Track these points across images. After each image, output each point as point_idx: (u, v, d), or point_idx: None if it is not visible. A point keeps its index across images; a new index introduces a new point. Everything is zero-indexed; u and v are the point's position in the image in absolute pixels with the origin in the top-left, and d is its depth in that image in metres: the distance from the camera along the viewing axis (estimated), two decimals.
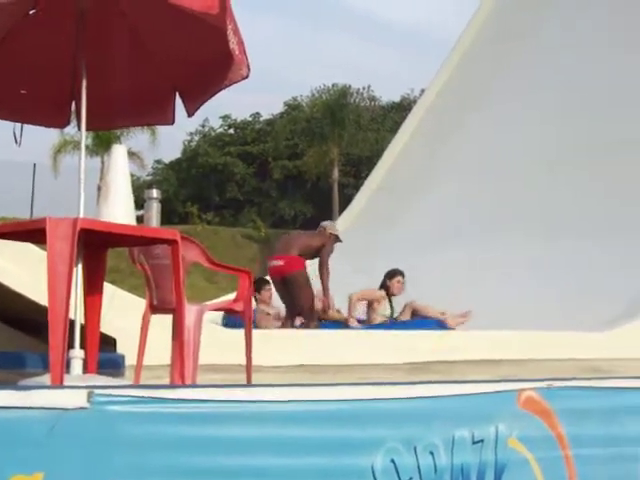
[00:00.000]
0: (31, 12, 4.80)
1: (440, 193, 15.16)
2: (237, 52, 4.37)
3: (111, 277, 5.23)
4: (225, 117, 51.70)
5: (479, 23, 18.04)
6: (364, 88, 48.70)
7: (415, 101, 29.60)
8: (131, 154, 29.31)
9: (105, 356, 4.98)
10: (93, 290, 4.48)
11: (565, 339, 8.69)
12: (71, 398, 2.83)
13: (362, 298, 9.97)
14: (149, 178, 48.79)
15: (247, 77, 4.62)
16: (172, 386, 4.13)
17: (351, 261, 14.13)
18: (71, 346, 4.08)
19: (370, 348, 7.91)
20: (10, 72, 4.98)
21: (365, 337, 8.54)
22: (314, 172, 43.35)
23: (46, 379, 3.71)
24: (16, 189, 28.64)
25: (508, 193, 13.90)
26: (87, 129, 4.74)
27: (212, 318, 7.80)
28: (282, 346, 7.38)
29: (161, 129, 32.14)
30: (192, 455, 3.01)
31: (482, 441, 3.57)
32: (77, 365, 4.18)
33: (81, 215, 4.41)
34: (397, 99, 50.66)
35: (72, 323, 4.03)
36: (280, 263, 9.23)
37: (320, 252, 9.52)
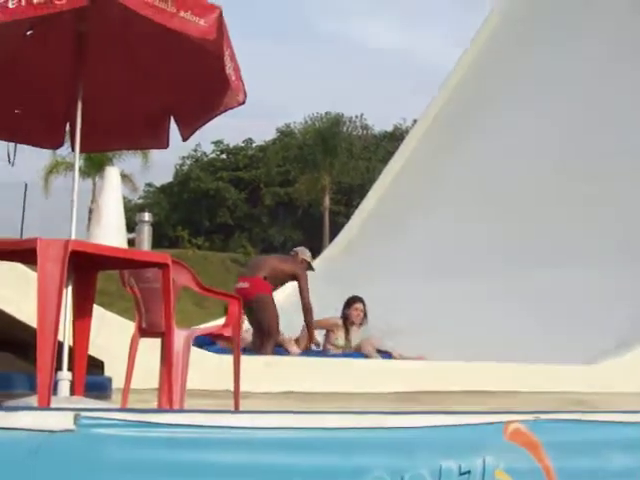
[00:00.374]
0: (28, 33, 4.83)
1: (432, 222, 15.18)
2: (234, 78, 4.40)
3: (100, 299, 5.20)
4: (217, 142, 51.95)
5: (474, 51, 18.15)
6: (357, 117, 49.04)
7: (407, 131, 29.73)
8: (123, 177, 29.33)
9: (92, 379, 4.95)
10: (82, 312, 4.47)
11: (552, 372, 8.69)
12: (57, 420, 2.82)
13: (317, 326, 9.60)
14: (140, 201, 48.85)
15: (243, 103, 4.64)
16: (159, 410, 4.12)
17: (340, 288, 14.12)
18: (59, 368, 4.07)
19: (358, 377, 7.89)
20: (5, 92, 4.99)
21: (354, 366, 8.52)
22: (305, 199, 43.53)
23: (33, 400, 3.69)
24: (5, 208, 28.61)
25: (500, 223, 13.92)
26: (81, 151, 4.75)
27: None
28: (271, 372, 7.36)
29: (153, 152, 32.21)
30: (177, 479, 3.00)
31: (469, 472, 3.56)
32: (64, 387, 4.16)
33: (73, 237, 4.40)
34: (390, 128, 50.97)
35: (60, 345, 4.02)
36: (245, 285, 9.06)
37: (295, 279, 9.35)
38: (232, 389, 4.91)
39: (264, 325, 8.94)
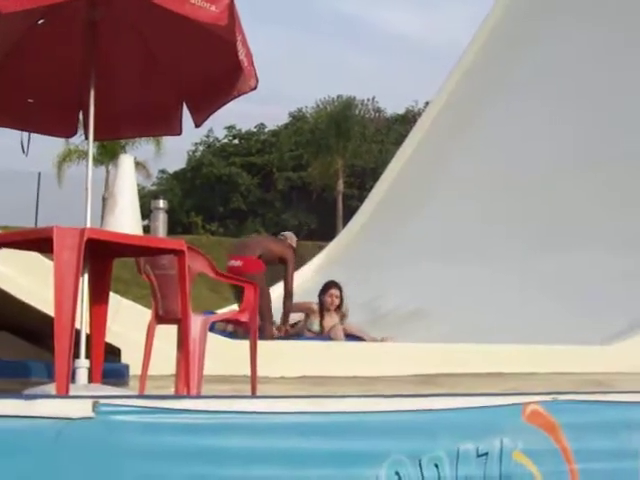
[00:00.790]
0: (40, 22, 4.83)
1: (444, 206, 15.14)
2: (246, 63, 4.39)
3: (116, 287, 5.22)
4: (230, 128, 51.85)
5: (485, 35, 18.04)
6: (369, 100, 48.84)
7: (420, 113, 29.64)
8: (136, 164, 29.29)
9: (109, 366, 4.98)
10: (99, 300, 4.49)
11: (569, 353, 8.68)
12: (76, 408, 2.83)
13: (295, 309, 9.49)
14: (154, 188, 48.89)
15: (255, 88, 4.64)
16: (177, 396, 4.13)
17: (353, 273, 14.13)
18: (76, 356, 4.09)
19: (375, 360, 7.90)
20: (18, 81, 5.00)
21: (371, 349, 8.53)
22: (318, 183, 43.44)
23: (51, 388, 3.71)
24: (20, 198, 28.71)
25: (513, 206, 13.87)
26: (94, 139, 4.75)
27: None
28: (288, 357, 7.37)
29: (165, 139, 32.20)
30: (196, 465, 3.01)
31: (487, 454, 3.56)
32: (82, 375, 4.18)
33: (88, 225, 4.41)
34: (402, 111, 50.80)
35: (77, 333, 4.04)
36: (238, 264, 8.90)
37: (282, 262, 9.24)
38: (249, 374, 4.92)
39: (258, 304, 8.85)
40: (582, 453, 3.84)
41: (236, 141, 52.38)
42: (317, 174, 43.25)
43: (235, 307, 9.14)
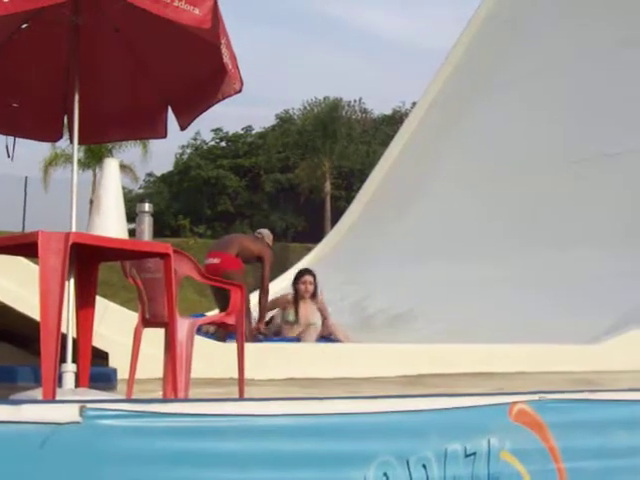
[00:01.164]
0: (23, 26, 4.82)
1: (432, 205, 15.18)
2: (230, 66, 4.38)
3: (103, 291, 5.21)
4: (217, 130, 51.82)
5: (471, 34, 18.08)
6: (356, 101, 48.89)
7: (407, 114, 29.67)
8: (123, 167, 29.33)
9: (97, 370, 4.97)
10: (85, 304, 4.47)
11: (556, 352, 8.69)
12: (63, 412, 2.83)
13: (272, 306, 9.50)
14: (141, 191, 48.81)
15: (240, 91, 4.63)
16: (165, 400, 4.13)
17: (343, 273, 14.15)
18: (63, 360, 4.07)
19: (362, 361, 7.90)
20: (2, 85, 4.98)
21: (358, 350, 8.53)
22: (306, 185, 43.41)
23: (38, 393, 3.70)
24: (7, 202, 28.60)
25: (502, 204, 13.90)
26: (79, 143, 4.74)
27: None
28: (275, 359, 7.37)
29: (152, 142, 32.14)
30: (184, 469, 3.01)
31: (474, 454, 3.57)
32: (69, 379, 4.16)
33: (73, 229, 4.40)
34: (389, 112, 50.86)
35: (64, 337, 4.03)
36: (216, 261, 8.91)
37: (260, 261, 9.25)
38: (236, 377, 4.92)
39: None
40: (569, 452, 3.85)
41: (223, 143, 52.35)
42: (305, 176, 43.24)
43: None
